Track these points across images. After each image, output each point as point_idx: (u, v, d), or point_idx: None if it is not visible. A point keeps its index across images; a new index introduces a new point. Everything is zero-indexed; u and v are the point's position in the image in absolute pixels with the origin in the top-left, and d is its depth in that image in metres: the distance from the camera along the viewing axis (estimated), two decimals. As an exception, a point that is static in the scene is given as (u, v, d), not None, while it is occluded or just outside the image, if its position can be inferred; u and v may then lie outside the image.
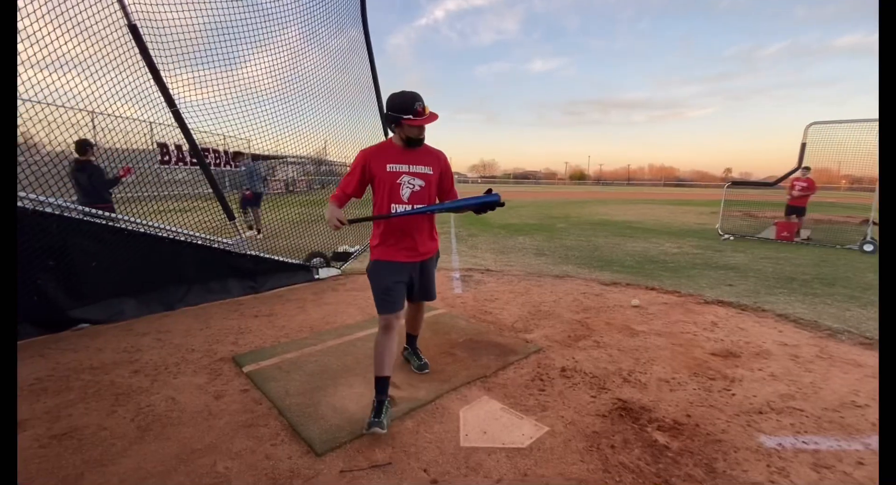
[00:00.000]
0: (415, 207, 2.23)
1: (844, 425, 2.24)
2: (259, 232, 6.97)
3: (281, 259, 4.71)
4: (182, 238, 3.91)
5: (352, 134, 5.37)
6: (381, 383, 2.22)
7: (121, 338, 3.25)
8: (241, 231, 4.35)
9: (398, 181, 2.21)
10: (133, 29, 3.38)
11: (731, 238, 9.23)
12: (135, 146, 4.11)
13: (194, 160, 5.47)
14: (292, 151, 4.95)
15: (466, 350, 3.10)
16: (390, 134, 2.33)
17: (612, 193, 39.85)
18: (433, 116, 2.16)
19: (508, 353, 3.07)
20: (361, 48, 5.56)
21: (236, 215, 4.30)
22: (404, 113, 2.10)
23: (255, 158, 7.98)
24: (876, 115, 7.83)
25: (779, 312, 4.10)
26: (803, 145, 8.51)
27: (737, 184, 10.61)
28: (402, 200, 2.23)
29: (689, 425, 2.21)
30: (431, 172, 2.29)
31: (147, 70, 3.51)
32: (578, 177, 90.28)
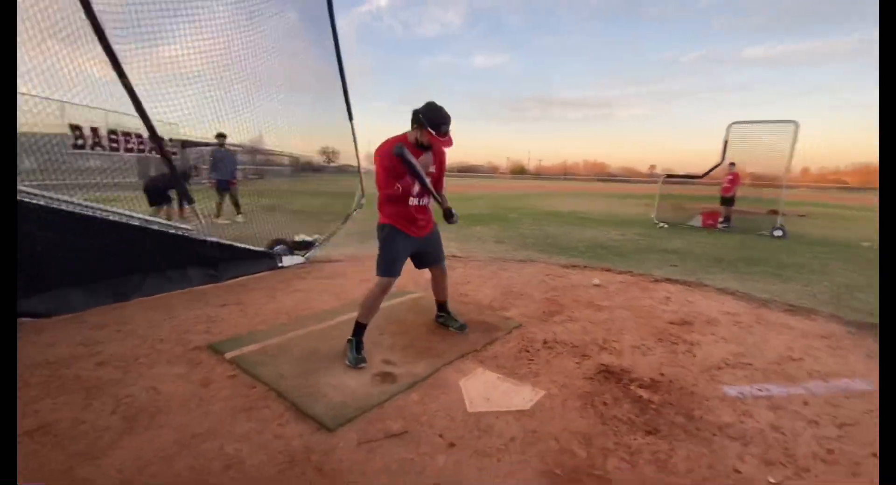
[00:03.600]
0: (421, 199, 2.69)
1: (787, 374, 2.62)
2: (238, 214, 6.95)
3: (245, 246, 4.48)
4: (137, 222, 3.59)
5: (294, 122, 5.09)
6: (363, 328, 2.67)
7: (73, 331, 2.94)
8: (199, 216, 4.07)
9: (404, 174, 2.52)
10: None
11: (666, 226, 10.11)
12: (39, 130, 3.37)
13: (114, 145, 4.96)
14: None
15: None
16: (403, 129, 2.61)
17: (552, 186, 41.65)
18: (450, 142, 2.53)
19: (492, 329, 3.19)
20: (303, 34, 5.27)
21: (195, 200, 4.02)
22: (433, 127, 2.43)
23: (185, 144, 7.45)
24: (781, 118, 8.93)
25: (718, 286, 4.61)
26: (725, 143, 9.50)
27: (671, 176, 11.63)
28: (413, 193, 2.62)
29: (664, 382, 2.46)
30: (434, 171, 2.72)
31: (94, 34, 3.15)
32: (519, 171, 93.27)
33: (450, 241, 7.22)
